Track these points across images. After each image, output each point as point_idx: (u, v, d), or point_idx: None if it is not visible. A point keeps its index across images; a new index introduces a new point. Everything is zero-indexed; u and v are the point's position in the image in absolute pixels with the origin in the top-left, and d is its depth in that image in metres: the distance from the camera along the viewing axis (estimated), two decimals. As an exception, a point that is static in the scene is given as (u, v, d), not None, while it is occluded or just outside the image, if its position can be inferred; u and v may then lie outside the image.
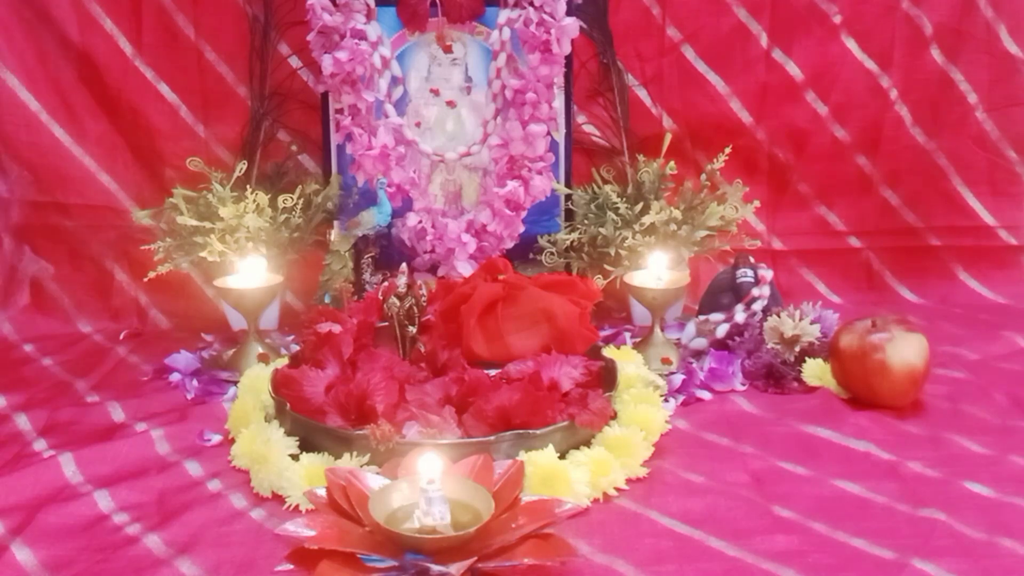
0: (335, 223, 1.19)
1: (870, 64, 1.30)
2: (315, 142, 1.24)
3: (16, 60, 1.20)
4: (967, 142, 1.34)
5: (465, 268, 1.15)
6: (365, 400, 0.84)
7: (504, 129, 1.15)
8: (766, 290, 1.11)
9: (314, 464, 0.81)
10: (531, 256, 1.21)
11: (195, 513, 0.78)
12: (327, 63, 1.10)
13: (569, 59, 1.17)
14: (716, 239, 1.21)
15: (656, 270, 1.08)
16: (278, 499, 0.79)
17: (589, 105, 1.29)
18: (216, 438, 0.91)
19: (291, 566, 0.64)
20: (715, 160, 1.21)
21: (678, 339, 1.09)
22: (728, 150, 1.22)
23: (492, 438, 0.81)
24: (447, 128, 1.20)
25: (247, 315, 1.06)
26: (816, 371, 1.02)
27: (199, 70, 1.25)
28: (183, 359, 1.07)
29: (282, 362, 0.99)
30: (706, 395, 1.01)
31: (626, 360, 1.00)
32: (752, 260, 1.17)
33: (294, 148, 1.26)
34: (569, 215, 1.23)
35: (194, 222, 1.12)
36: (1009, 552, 0.72)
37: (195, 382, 1.03)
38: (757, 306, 1.10)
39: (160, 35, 1.23)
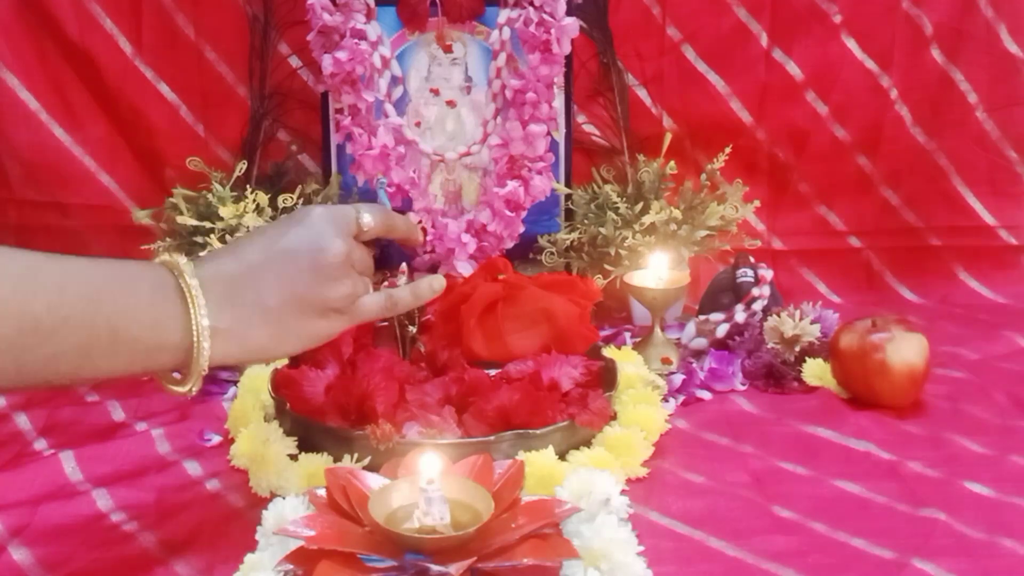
0: (335, 223, 1.19)
1: (870, 64, 1.30)
2: (315, 142, 1.24)
3: (16, 60, 1.19)
4: (967, 142, 1.34)
5: (465, 268, 1.15)
6: (365, 400, 0.84)
7: (504, 129, 1.15)
8: (766, 290, 1.11)
9: (313, 464, 0.81)
10: (531, 256, 1.21)
11: (192, 512, 0.78)
12: (327, 63, 1.10)
13: (569, 59, 1.17)
14: (716, 239, 1.21)
15: (656, 270, 1.08)
16: (278, 499, 0.79)
17: (589, 105, 1.29)
18: (216, 438, 0.91)
19: (290, 566, 0.63)
20: (715, 160, 1.21)
21: (678, 339, 1.09)
22: (728, 150, 1.22)
23: (492, 438, 0.81)
24: (447, 128, 1.20)
25: (247, 315, 1.06)
26: (816, 371, 1.02)
27: (199, 70, 1.24)
28: (183, 359, 1.07)
29: (282, 362, 0.99)
30: (706, 395, 1.01)
31: (626, 360, 1.00)
32: (752, 260, 1.17)
33: (294, 148, 1.26)
34: (569, 215, 1.23)
35: (194, 222, 1.12)
36: (1009, 552, 0.72)
37: (195, 382, 1.03)
38: (757, 306, 1.10)
39: (160, 35, 1.23)
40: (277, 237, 0.71)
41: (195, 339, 0.64)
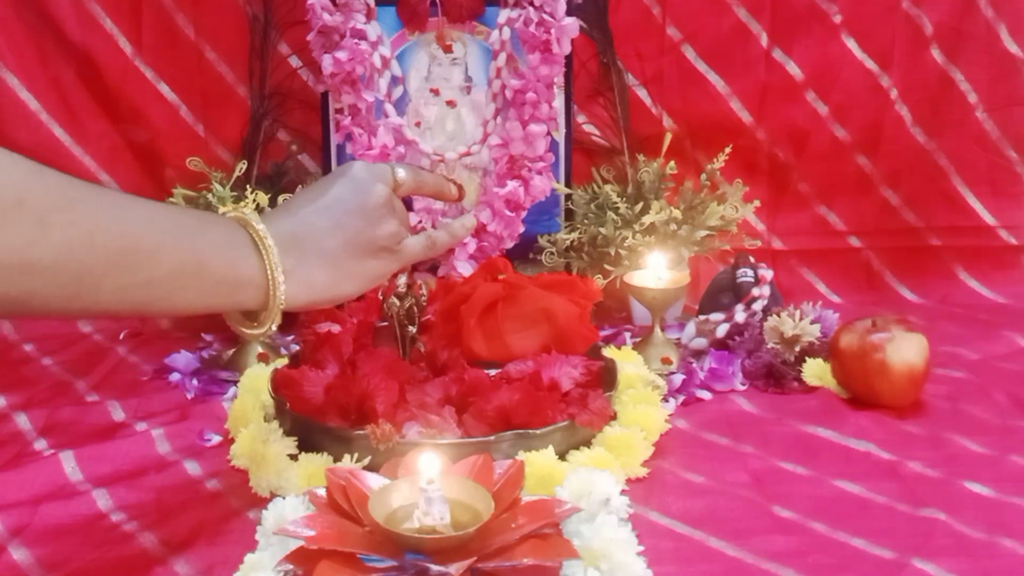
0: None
1: (870, 64, 1.30)
2: (315, 142, 1.24)
3: (16, 60, 1.20)
4: (967, 142, 1.34)
5: (465, 268, 1.15)
6: (365, 400, 0.84)
7: (504, 129, 1.15)
8: (766, 290, 1.11)
9: (313, 464, 0.81)
10: (531, 256, 1.21)
11: (192, 512, 0.78)
12: (327, 63, 1.10)
13: (569, 59, 1.17)
14: (716, 239, 1.21)
15: (656, 270, 1.08)
16: (278, 499, 0.79)
17: (589, 105, 1.29)
18: (216, 438, 0.91)
19: (290, 566, 0.63)
20: (715, 160, 1.21)
21: (678, 339, 1.09)
22: (728, 150, 1.22)
23: (492, 438, 0.81)
24: (447, 128, 1.20)
25: (247, 315, 1.06)
26: (816, 371, 1.02)
27: (199, 70, 1.25)
28: (183, 359, 1.07)
29: (282, 362, 0.99)
30: (706, 395, 1.01)
31: (626, 360, 1.00)
32: (752, 260, 1.17)
33: (294, 148, 1.26)
34: (569, 215, 1.23)
35: (194, 222, 1.11)
36: (1009, 552, 0.72)
37: (195, 382, 1.03)
38: (757, 306, 1.10)
39: (160, 35, 1.23)
40: (324, 190, 0.76)
41: (270, 275, 0.69)
